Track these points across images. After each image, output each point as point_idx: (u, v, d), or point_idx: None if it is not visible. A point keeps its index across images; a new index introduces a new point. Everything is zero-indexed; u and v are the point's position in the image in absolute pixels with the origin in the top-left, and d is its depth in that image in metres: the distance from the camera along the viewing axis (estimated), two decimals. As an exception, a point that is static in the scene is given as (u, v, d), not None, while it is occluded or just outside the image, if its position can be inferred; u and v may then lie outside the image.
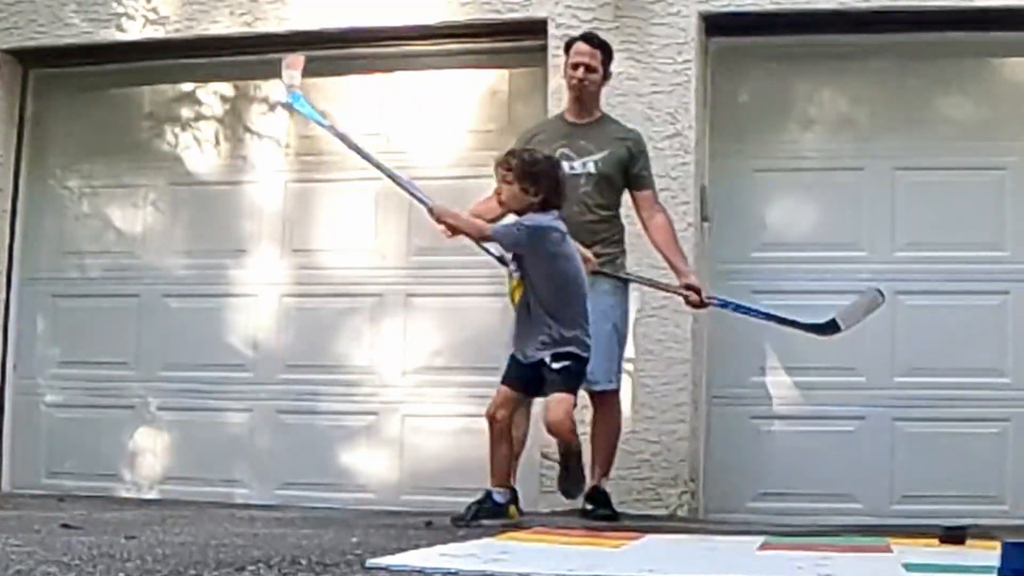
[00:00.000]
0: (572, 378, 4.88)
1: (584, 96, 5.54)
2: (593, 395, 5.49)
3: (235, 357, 6.87)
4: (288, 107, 5.87)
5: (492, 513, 4.86)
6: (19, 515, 4.91)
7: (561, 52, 6.30)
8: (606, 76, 5.61)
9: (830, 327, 5.43)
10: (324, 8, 6.65)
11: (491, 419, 4.96)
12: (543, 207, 4.81)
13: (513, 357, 4.94)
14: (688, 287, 5.47)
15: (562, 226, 4.84)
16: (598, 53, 5.54)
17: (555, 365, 4.81)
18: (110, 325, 7.05)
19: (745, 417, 6.28)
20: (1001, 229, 6.15)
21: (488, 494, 4.94)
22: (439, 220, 5.03)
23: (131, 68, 7.12)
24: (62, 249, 7.17)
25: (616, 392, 5.57)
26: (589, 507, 5.41)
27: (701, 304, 5.56)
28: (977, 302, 6.13)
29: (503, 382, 4.98)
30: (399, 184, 5.37)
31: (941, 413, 6.08)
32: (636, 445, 6.00)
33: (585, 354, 4.86)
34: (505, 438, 4.96)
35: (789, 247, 6.11)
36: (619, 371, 5.57)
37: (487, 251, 5.27)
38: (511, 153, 5.01)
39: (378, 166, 5.38)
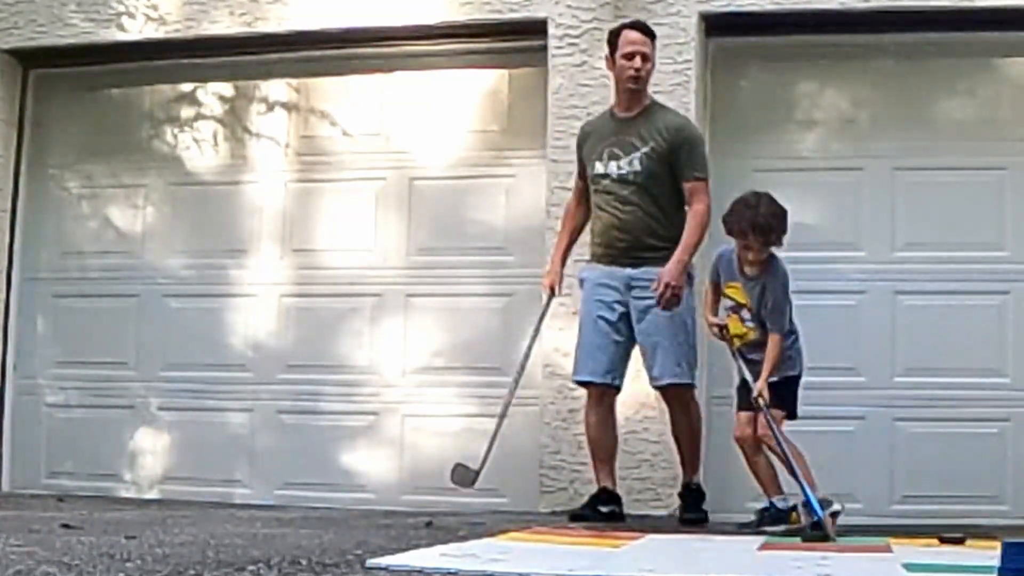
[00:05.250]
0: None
1: (640, 87, 5.40)
2: (662, 392, 5.45)
3: (235, 357, 6.88)
4: None
5: (775, 519, 5.07)
6: (19, 515, 4.91)
7: (561, 52, 6.33)
8: (653, 65, 5.48)
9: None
10: (324, 8, 6.65)
11: (739, 442, 5.21)
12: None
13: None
14: (666, 284, 5.21)
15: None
16: (650, 41, 5.42)
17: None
18: (110, 325, 7.05)
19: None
20: (1001, 229, 6.15)
21: (770, 503, 5.15)
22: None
23: (131, 68, 7.12)
24: (62, 249, 7.17)
25: (683, 386, 5.41)
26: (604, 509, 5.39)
27: (664, 304, 5.26)
28: (977, 302, 6.13)
29: (740, 409, 5.20)
30: None
31: (941, 413, 6.08)
32: (636, 445, 6.00)
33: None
34: (757, 452, 5.15)
35: (789, 247, 6.08)
36: (686, 365, 5.39)
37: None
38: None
39: None
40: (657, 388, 5.44)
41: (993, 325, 6.10)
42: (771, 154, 6.36)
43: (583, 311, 5.49)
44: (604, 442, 5.47)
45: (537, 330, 5.72)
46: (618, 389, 5.46)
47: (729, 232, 5.12)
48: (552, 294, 5.66)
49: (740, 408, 5.20)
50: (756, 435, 5.10)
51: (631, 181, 5.34)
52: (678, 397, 5.42)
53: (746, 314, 5.12)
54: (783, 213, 5.10)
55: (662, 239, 5.33)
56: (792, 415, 5.13)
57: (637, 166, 5.34)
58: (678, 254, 5.23)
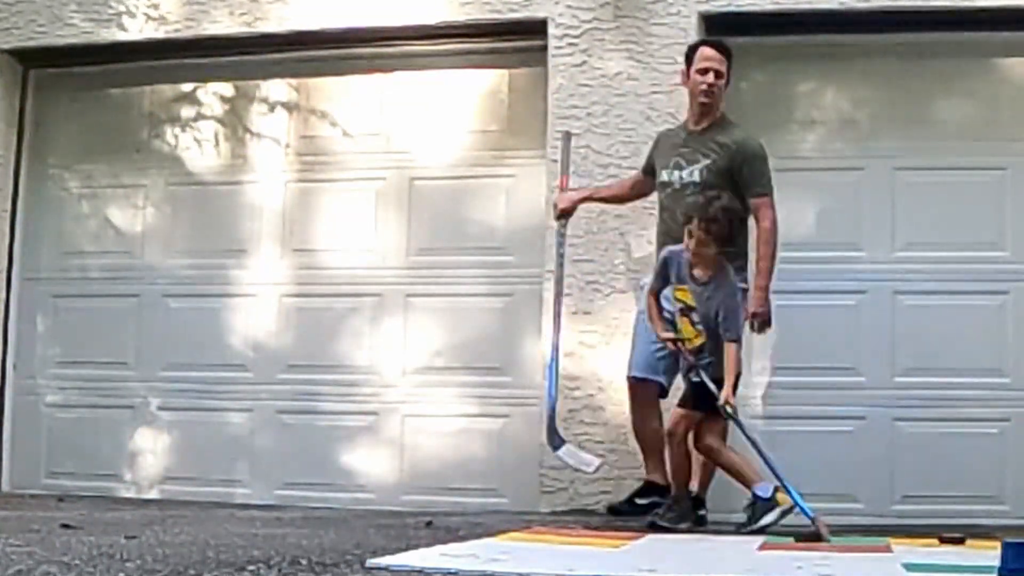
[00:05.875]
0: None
1: (712, 102, 5.50)
2: None
3: (235, 357, 6.87)
4: None
5: (765, 509, 5.02)
6: (19, 515, 4.91)
7: (561, 52, 6.34)
8: (728, 81, 5.59)
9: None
10: (324, 8, 6.65)
11: (669, 436, 5.24)
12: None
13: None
14: (753, 314, 5.36)
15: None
16: (725, 60, 5.53)
17: None
18: (110, 325, 7.05)
19: (745, 417, 6.26)
20: (1001, 229, 6.15)
21: (753, 494, 5.11)
22: None
23: (131, 68, 7.12)
24: (62, 249, 7.17)
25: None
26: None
27: (758, 331, 5.43)
28: (977, 302, 6.13)
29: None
30: None
31: (941, 413, 6.08)
32: (636, 445, 5.99)
33: None
34: (721, 454, 5.26)
35: (789, 247, 6.07)
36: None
37: None
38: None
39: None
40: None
41: (993, 325, 6.10)
42: (771, 154, 6.28)
43: (639, 317, 5.56)
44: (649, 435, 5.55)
45: (560, 265, 5.79)
46: (664, 391, 5.50)
47: (687, 221, 5.11)
48: (560, 217, 5.81)
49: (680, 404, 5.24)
50: (696, 439, 5.19)
51: (691, 193, 5.41)
52: None
53: (696, 316, 5.14)
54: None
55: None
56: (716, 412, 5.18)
57: (697, 177, 5.43)
58: (759, 281, 5.35)
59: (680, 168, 5.47)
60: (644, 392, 5.50)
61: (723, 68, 5.51)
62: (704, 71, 5.48)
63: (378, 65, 6.85)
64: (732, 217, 5.09)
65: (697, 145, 5.47)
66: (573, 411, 6.04)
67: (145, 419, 6.94)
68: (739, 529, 5.08)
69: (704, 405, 5.09)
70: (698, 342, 5.13)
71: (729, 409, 5.03)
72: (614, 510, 5.58)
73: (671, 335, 5.17)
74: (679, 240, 5.21)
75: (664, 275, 5.20)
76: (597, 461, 5.65)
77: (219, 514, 5.42)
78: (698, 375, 5.10)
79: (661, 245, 5.47)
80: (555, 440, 5.69)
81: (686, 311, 5.14)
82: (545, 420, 5.75)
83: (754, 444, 5.12)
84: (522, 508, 6.12)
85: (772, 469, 5.02)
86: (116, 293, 7.06)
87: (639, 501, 5.50)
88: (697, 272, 5.10)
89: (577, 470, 5.73)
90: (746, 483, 5.16)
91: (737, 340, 5.09)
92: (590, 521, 5.40)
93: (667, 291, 5.20)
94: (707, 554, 4.11)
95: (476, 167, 6.66)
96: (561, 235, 5.86)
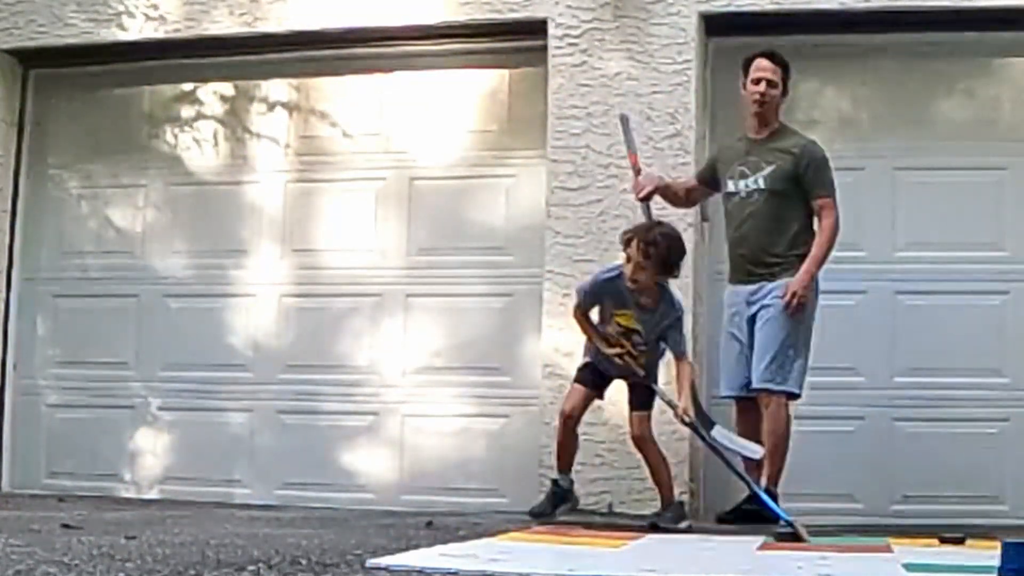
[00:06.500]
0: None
1: (764, 111, 5.58)
2: (757, 396, 5.49)
3: (235, 357, 6.87)
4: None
5: (561, 498, 5.47)
6: (19, 515, 4.91)
7: (561, 52, 6.34)
8: (785, 92, 5.65)
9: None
10: (324, 8, 6.65)
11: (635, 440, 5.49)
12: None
13: None
14: (792, 293, 5.40)
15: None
16: (779, 70, 5.60)
17: None
18: (110, 325, 7.05)
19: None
20: (1001, 229, 6.15)
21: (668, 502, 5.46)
22: None
23: (131, 68, 7.12)
24: (62, 249, 7.17)
25: (774, 393, 5.42)
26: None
27: (792, 312, 5.41)
28: (977, 302, 6.13)
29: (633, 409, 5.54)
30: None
31: (941, 413, 6.08)
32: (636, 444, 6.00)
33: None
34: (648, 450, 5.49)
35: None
36: (782, 373, 5.41)
37: None
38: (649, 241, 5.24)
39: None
40: (752, 391, 5.50)
41: (993, 325, 6.10)
42: (771, 154, 6.35)
43: (721, 331, 5.76)
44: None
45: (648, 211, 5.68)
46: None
47: (627, 244, 5.26)
48: (643, 200, 5.66)
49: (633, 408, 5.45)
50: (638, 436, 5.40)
51: (754, 200, 5.51)
52: (767, 403, 5.44)
53: (637, 339, 5.32)
54: (681, 247, 5.32)
55: (778, 256, 5.49)
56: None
57: (761, 184, 5.51)
58: (807, 265, 5.43)
59: (745, 177, 5.55)
60: (746, 408, 5.57)
61: (775, 78, 5.58)
62: (757, 81, 5.57)
63: (378, 65, 6.85)
64: (677, 245, 5.28)
65: (761, 153, 5.56)
66: (573, 411, 6.03)
67: (145, 419, 6.94)
68: (654, 523, 5.22)
69: (650, 402, 5.37)
70: (642, 361, 5.35)
71: (687, 419, 5.24)
72: (721, 519, 5.59)
73: (616, 350, 5.34)
74: (746, 247, 5.46)
75: (598, 299, 5.36)
76: (761, 450, 5.44)
77: (219, 514, 5.43)
78: (650, 388, 5.39)
79: (730, 253, 5.66)
80: (707, 423, 5.51)
81: (627, 334, 5.33)
82: (691, 404, 5.38)
83: (716, 451, 5.30)
84: (522, 508, 6.10)
85: (738, 474, 5.23)
86: (116, 293, 7.06)
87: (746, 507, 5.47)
88: (643, 300, 5.28)
89: (738, 454, 5.46)
90: (663, 487, 5.39)
91: (684, 355, 5.32)
92: (590, 521, 5.41)
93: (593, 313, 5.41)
94: (707, 554, 4.11)
95: (476, 167, 6.65)
96: (647, 213, 5.71)
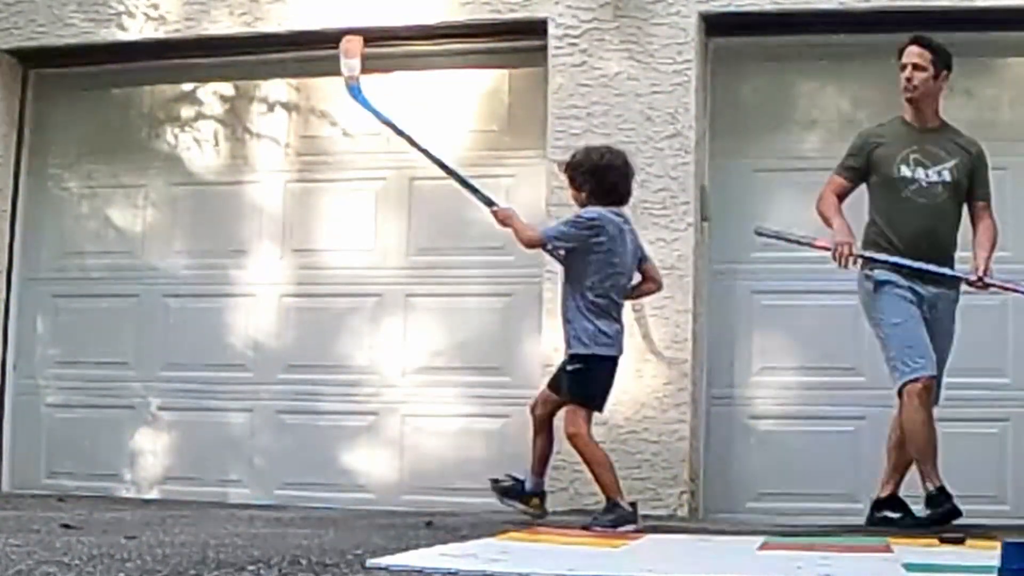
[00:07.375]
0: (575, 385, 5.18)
1: (918, 97, 5.40)
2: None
3: (235, 357, 6.87)
4: (357, 97, 5.80)
5: (516, 494, 5.45)
6: (19, 515, 4.91)
7: (561, 52, 6.34)
8: (937, 77, 5.41)
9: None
10: (324, 8, 6.65)
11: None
12: (597, 202, 5.18)
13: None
14: (976, 280, 5.31)
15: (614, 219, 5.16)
16: (927, 53, 5.41)
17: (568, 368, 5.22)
18: (110, 325, 7.05)
19: (745, 417, 6.28)
20: (1001, 229, 6.13)
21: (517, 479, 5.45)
22: (502, 223, 5.42)
23: (131, 68, 7.12)
24: (62, 249, 7.17)
25: (900, 388, 5.27)
26: (893, 515, 5.33)
27: (983, 287, 5.36)
28: (977, 302, 6.10)
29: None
30: (462, 183, 5.60)
31: (941, 413, 6.04)
32: (636, 445, 6.00)
33: (583, 352, 5.10)
34: (540, 431, 5.40)
35: (789, 247, 6.09)
36: (892, 365, 5.29)
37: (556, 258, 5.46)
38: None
39: (440, 164, 5.60)
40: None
41: (993, 325, 6.09)
42: (771, 154, 6.35)
43: (896, 309, 5.31)
44: (934, 439, 5.36)
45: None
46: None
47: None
48: (844, 263, 5.37)
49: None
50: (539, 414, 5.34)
51: (941, 191, 5.36)
52: (900, 398, 5.30)
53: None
54: (617, 168, 5.24)
55: (952, 246, 5.40)
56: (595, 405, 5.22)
57: (947, 176, 5.37)
58: (988, 261, 5.34)
59: (924, 166, 5.35)
60: (928, 389, 5.26)
61: (922, 61, 5.38)
62: (903, 67, 5.41)
63: (378, 65, 6.83)
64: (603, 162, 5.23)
65: (940, 143, 5.40)
66: (573, 411, 6.03)
67: (145, 419, 6.94)
68: (593, 521, 5.06)
69: (571, 391, 5.20)
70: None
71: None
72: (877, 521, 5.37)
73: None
74: (933, 236, 5.26)
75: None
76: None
77: (219, 514, 5.43)
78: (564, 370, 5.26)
79: (906, 240, 5.30)
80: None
81: None
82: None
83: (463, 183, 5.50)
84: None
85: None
86: (116, 293, 7.06)
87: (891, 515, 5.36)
88: None
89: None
90: (606, 487, 5.16)
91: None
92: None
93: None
94: (707, 554, 4.11)
95: (476, 167, 6.63)
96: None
